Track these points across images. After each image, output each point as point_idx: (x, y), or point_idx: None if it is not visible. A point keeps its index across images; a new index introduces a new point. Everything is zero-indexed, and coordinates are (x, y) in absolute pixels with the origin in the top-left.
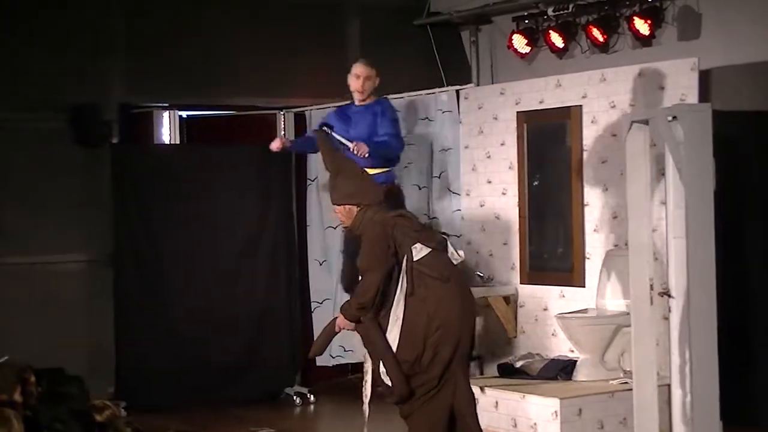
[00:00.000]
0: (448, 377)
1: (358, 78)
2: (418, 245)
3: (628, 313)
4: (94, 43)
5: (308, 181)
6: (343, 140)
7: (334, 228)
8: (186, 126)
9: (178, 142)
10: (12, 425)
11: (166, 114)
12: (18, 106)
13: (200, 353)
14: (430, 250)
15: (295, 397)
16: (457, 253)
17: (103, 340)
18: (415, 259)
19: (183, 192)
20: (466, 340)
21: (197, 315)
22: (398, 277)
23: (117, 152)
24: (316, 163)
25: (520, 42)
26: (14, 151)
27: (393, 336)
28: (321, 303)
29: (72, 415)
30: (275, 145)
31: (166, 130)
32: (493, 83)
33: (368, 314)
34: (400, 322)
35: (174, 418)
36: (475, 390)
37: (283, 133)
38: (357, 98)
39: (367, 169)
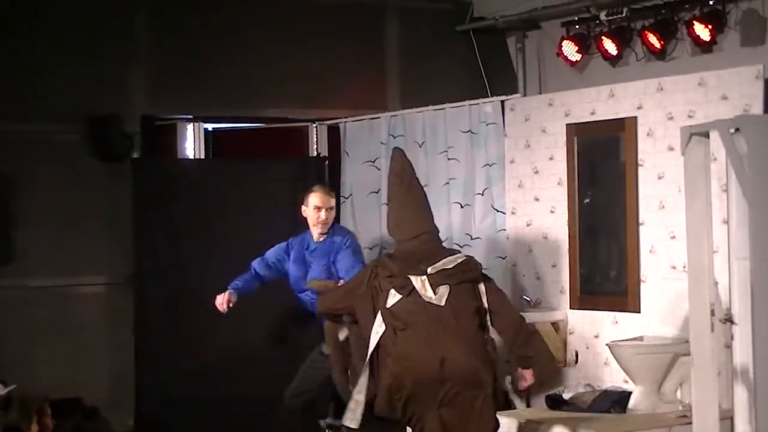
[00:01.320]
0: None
1: (319, 210)
2: (392, 291)
3: (687, 341)
4: (116, 51)
5: (342, 199)
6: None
7: (370, 249)
8: (212, 139)
9: (203, 156)
10: None
11: (190, 126)
12: (34, 117)
13: (228, 384)
14: (400, 296)
15: (327, 431)
16: (431, 291)
17: (123, 368)
18: (387, 306)
19: (209, 209)
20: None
21: (225, 342)
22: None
23: (138, 167)
24: (350, 180)
25: (570, 49)
26: (29, 164)
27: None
28: None
29: None
30: (222, 306)
31: (191, 143)
32: (540, 93)
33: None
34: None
35: None
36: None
37: (315, 147)
38: (317, 233)
39: None
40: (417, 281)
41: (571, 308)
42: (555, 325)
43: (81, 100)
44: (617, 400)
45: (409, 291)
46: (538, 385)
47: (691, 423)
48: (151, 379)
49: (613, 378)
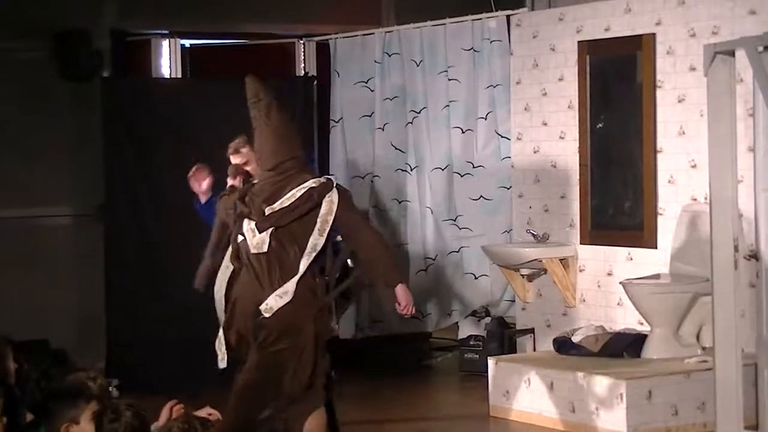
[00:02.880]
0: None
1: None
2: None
3: (707, 280)
4: None
5: (332, 123)
6: None
7: (362, 178)
8: (189, 57)
9: (180, 75)
10: None
11: (165, 42)
12: None
13: (205, 324)
14: (242, 238)
15: None
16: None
17: (92, 307)
18: (234, 241)
19: (186, 134)
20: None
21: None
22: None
23: (108, 87)
24: (341, 102)
25: None
26: None
27: None
28: None
29: (69, 391)
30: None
31: (166, 61)
32: (550, 7)
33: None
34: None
35: (174, 398)
36: (517, 367)
37: (303, 66)
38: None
39: None
40: (247, 227)
41: (581, 243)
42: (564, 261)
43: (44, 13)
44: (631, 344)
45: (241, 233)
46: (545, 328)
47: (711, 369)
48: (123, 319)
49: (627, 320)
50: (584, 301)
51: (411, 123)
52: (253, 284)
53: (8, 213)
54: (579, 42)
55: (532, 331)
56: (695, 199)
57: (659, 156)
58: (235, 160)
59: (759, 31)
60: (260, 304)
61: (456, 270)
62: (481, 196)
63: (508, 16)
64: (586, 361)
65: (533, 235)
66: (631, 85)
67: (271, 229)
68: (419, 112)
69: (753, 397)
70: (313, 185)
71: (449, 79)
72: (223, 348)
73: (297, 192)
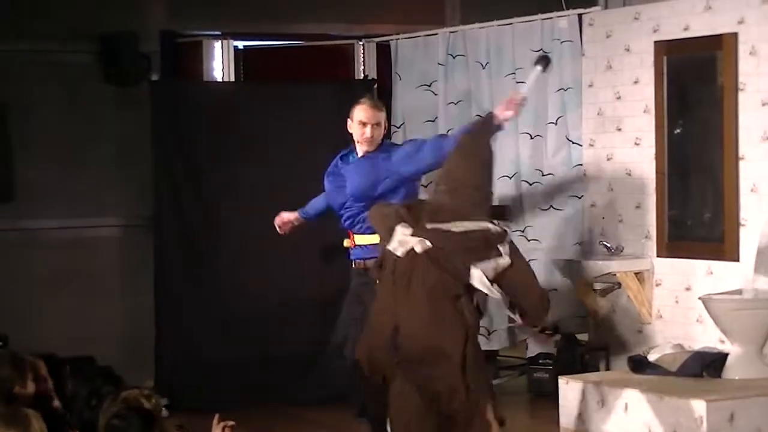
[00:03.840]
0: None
1: (364, 126)
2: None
3: None
4: None
5: (393, 128)
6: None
7: (425, 186)
8: (243, 59)
9: (232, 78)
10: (29, 425)
11: (218, 44)
12: (39, 35)
13: (259, 342)
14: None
15: None
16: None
17: (141, 323)
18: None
19: (238, 140)
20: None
21: (256, 295)
22: None
23: (158, 91)
24: (403, 106)
25: None
26: (35, 90)
27: None
28: None
29: (132, 410)
30: (282, 228)
31: (218, 63)
32: (624, 5)
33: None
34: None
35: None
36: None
37: (362, 68)
38: (361, 151)
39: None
40: (400, 232)
41: (657, 256)
42: (639, 275)
43: (90, 15)
44: (711, 363)
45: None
46: (619, 346)
47: None
48: (172, 336)
49: (707, 337)
50: (661, 317)
51: None
52: (389, 302)
53: (53, 223)
54: (655, 42)
55: (605, 348)
56: None
57: (741, 163)
58: (373, 117)
59: None
60: (396, 327)
61: None
62: (551, 206)
63: (579, 15)
64: (664, 382)
65: (606, 247)
66: (711, 87)
67: (422, 239)
68: None
69: None
70: (490, 228)
71: (517, 82)
72: None
73: (471, 225)
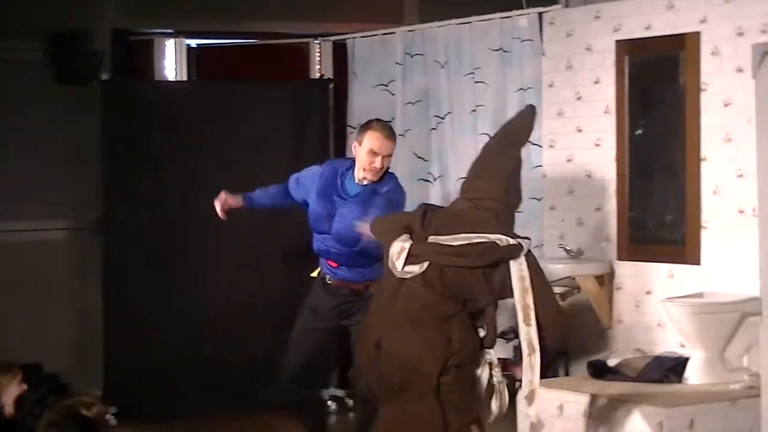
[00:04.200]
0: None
1: (374, 155)
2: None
3: (756, 299)
4: None
5: (349, 129)
6: None
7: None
8: (195, 58)
9: (185, 78)
10: None
11: (170, 42)
12: None
13: (212, 348)
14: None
15: (329, 402)
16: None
17: (90, 329)
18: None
19: (192, 141)
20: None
21: (209, 299)
22: None
23: (109, 90)
24: (359, 107)
25: None
26: None
27: None
28: None
29: (70, 419)
30: (220, 209)
31: (171, 62)
32: (585, 4)
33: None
34: None
35: (176, 428)
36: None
37: (318, 68)
38: (360, 176)
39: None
40: (397, 245)
41: (618, 259)
42: (599, 279)
43: (39, 12)
44: (672, 368)
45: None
46: (579, 350)
47: (759, 395)
48: (122, 342)
49: (668, 342)
50: (621, 321)
51: (435, 129)
52: (375, 316)
53: None
54: (617, 41)
55: (564, 353)
56: (743, 212)
57: (703, 165)
58: (388, 148)
59: None
60: (378, 345)
61: None
62: None
63: (540, 14)
64: (624, 387)
65: (566, 250)
66: (673, 88)
67: (425, 264)
68: (443, 118)
69: None
70: (498, 242)
71: (476, 82)
72: None
73: (474, 237)
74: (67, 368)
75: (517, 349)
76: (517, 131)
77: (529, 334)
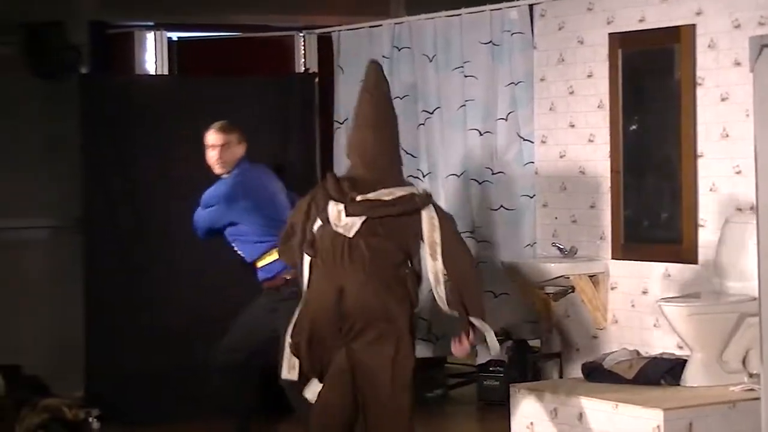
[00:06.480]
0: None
1: (213, 148)
2: (318, 217)
3: (754, 299)
4: None
5: (336, 124)
6: None
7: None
8: (177, 51)
9: (166, 72)
10: None
11: (150, 35)
12: None
13: (194, 351)
14: (321, 223)
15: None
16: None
17: (70, 330)
18: (311, 231)
19: (173, 137)
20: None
21: (192, 302)
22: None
23: (87, 85)
24: (345, 101)
25: None
26: None
27: None
28: None
29: (54, 421)
30: None
31: (151, 56)
32: None
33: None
34: None
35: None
36: (542, 396)
37: (302, 61)
38: (217, 172)
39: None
40: (333, 209)
41: (613, 258)
42: (593, 278)
43: (12, 3)
44: (669, 371)
45: (326, 218)
46: (573, 352)
47: (759, 398)
48: (103, 344)
49: (665, 343)
50: (616, 322)
51: (423, 124)
52: (331, 273)
53: None
54: (610, 34)
55: (558, 355)
56: (740, 210)
57: (700, 161)
58: (216, 139)
59: None
60: (337, 290)
61: None
62: (502, 206)
63: (530, 6)
64: (619, 390)
65: (559, 248)
66: (668, 82)
67: (363, 217)
68: (432, 113)
69: None
70: (414, 192)
71: (465, 76)
72: (292, 359)
73: (396, 191)
74: (48, 370)
75: (509, 350)
76: (379, 86)
77: (435, 267)
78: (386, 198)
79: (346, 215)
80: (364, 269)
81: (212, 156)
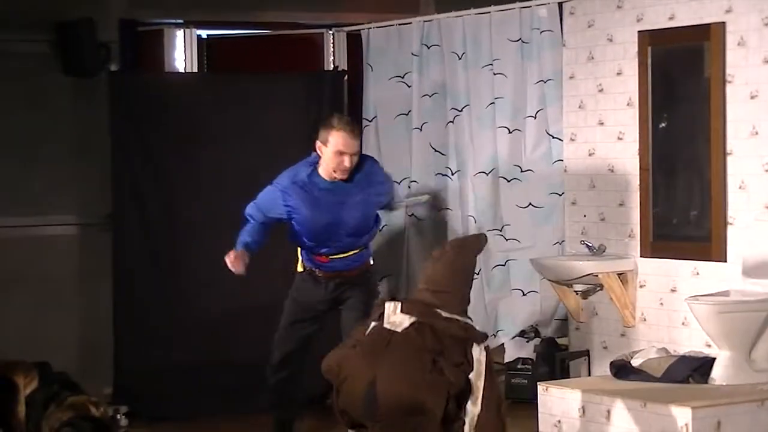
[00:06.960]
0: None
1: (341, 155)
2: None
3: None
4: None
5: (365, 122)
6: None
7: (398, 183)
8: (206, 49)
9: (196, 69)
10: None
11: (180, 33)
12: None
13: (223, 348)
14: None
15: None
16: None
17: (99, 327)
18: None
19: (202, 135)
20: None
21: (220, 298)
22: None
23: (117, 83)
24: (374, 99)
25: None
26: None
27: None
28: (380, 280)
29: (83, 419)
30: (237, 268)
31: (181, 53)
32: None
33: None
34: None
35: (186, 429)
36: (570, 394)
37: (332, 59)
38: (339, 177)
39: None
40: (390, 305)
41: (641, 256)
42: (622, 276)
43: (45, 2)
44: (697, 369)
45: (378, 316)
46: (602, 350)
47: None
48: (131, 341)
49: (693, 341)
50: (645, 320)
51: (452, 122)
52: (363, 361)
53: (5, 222)
54: (639, 32)
55: (586, 353)
56: None
57: (729, 159)
58: (354, 147)
59: None
60: (372, 383)
61: (502, 286)
62: (530, 204)
63: (560, 4)
64: (647, 388)
65: (588, 246)
66: (697, 80)
67: (414, 318)
68: (461, 111)
69: None
70: (470, 324)
71: (494, 74)
72: None
73: (455, 316)
74: (77, 368)
75: (538, 347)
76: (466, 246)
77: (473, 411)
78: (444, 314)
79: (401, 311)
80: (400, 359)
81: (345, 163)
